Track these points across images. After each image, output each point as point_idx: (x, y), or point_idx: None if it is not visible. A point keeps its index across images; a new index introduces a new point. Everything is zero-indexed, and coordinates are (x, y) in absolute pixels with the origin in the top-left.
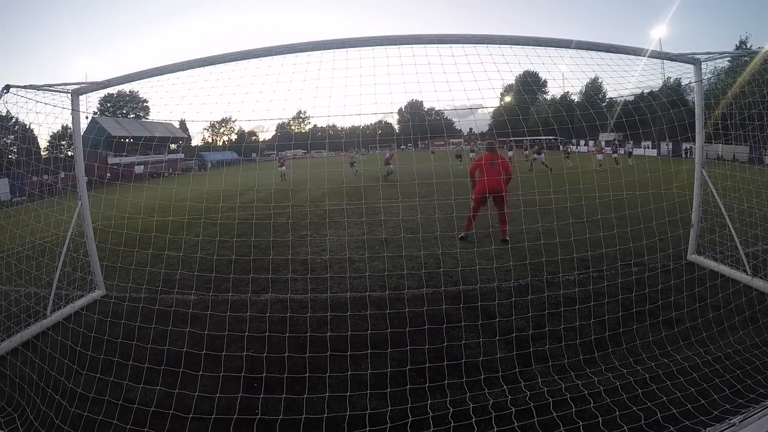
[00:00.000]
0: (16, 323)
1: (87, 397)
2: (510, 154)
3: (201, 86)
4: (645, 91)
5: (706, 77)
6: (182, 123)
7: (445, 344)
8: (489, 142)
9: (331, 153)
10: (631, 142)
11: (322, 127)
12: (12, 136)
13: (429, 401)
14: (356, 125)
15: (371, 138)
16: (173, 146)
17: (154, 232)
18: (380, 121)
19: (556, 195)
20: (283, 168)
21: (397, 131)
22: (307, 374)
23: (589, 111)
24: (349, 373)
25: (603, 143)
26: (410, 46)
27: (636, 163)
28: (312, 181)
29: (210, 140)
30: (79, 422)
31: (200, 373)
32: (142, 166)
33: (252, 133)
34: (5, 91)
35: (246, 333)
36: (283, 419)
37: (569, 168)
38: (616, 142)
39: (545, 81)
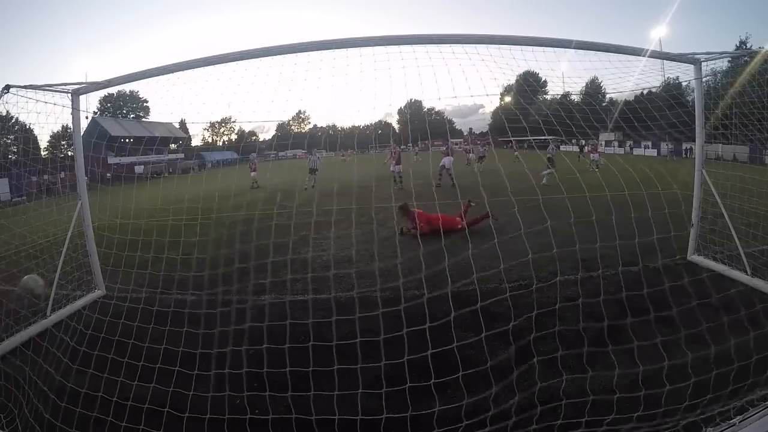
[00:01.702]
0: (16, 322)
1: (87, 396)
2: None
3: (201, 86)
4: (645, 91)
5: (706, 77)
6: (182, 123)
7: (445, 344)
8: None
9: (330, 153)
10: (632, 141)
11: (322, 127)
12: (12, 136)
13: (429, 401)
14: (356, 125)
15: (371, 138)
16: (173, 146)
17: (154, 232)
18: (380, 121)
19: (555, 195)
20: (255, 173)
21: (397, 131)
22: (307, 374)
23: (590, 111)
24: (349, 373)
25: (603, 143)
26: (410, 46)
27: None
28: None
29: (210, 140)
30: (80, 422)
31: (200, 372)
32: (142, 167)
33: (252, 133)
34: (5, 91)
35: (246, 333)
36: (283, 419)
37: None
38: (597, 143)
39: (545, 81)
